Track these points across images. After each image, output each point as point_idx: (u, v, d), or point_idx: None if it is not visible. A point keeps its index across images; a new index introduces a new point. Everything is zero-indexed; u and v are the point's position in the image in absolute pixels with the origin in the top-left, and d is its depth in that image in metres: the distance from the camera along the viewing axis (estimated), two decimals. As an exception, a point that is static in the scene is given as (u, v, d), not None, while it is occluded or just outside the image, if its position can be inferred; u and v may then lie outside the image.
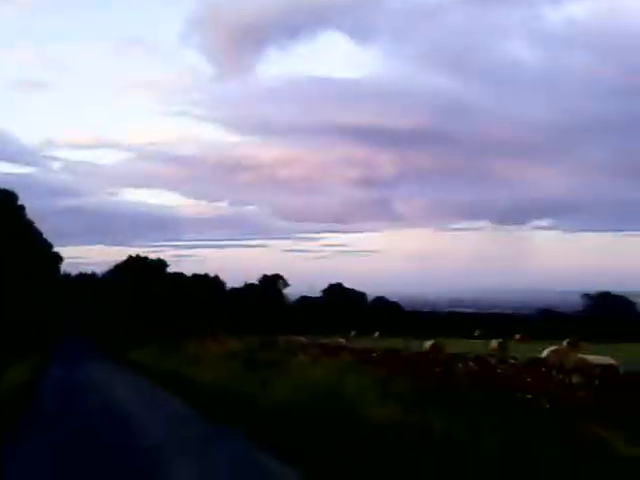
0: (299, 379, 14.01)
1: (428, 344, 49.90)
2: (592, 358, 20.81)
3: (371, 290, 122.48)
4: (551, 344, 46.45)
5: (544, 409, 8.66)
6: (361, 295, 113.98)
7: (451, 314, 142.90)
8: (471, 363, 11.97)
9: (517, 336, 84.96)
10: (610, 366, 9.36)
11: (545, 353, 33.77)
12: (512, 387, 9.35)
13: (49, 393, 19.12)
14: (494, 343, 61.04)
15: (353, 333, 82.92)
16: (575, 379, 9.81)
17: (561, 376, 9.97)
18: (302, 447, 8.59)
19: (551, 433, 7.53)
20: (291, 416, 10.57)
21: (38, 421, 12.67)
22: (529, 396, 8.99)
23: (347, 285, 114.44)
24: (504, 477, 6.55)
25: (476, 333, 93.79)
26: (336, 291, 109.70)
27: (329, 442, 8.58)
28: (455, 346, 46.38)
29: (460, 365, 12.08)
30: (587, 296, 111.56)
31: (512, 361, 11.29)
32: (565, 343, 61.91)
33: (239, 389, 14.94)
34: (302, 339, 25.92)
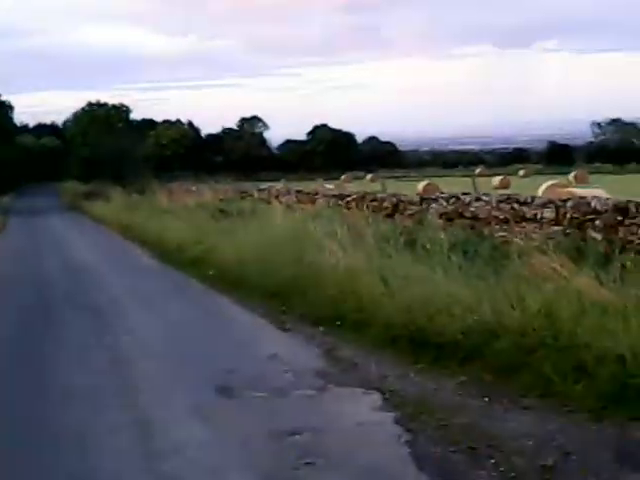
0: (262, 230, 14.27)
1: (421, 185, 50.35)
2: (582, 192, 20.91)
3: (361, 130, 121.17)
4: (560, 178, 47.07)
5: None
6: (350, 136, 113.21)
7: (452, 152, 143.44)
8: (444, 203, 12.09)
9: (521, 172, 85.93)
10: (595, 199, 9.31)
11: (542, 189, 34.05)
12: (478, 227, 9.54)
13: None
14: (496, 180, 61.71)
15: (343, 176, 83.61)
16: (547, 214, 9.87)
17: (535, 212, 10.03)
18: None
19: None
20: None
21: None
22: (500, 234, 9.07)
23: (334, 125, 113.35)
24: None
25: (477, 171, 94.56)
26: (323, 132, 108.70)
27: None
28: (452, 186, 46.65)
29: (434, 206, 12.25)
30: (597, 125, 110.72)
31: (485, 199, 11.34)
32: (571, 177, 62.70)
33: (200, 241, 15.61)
34: (278, 186, 25.85)
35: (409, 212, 13.35)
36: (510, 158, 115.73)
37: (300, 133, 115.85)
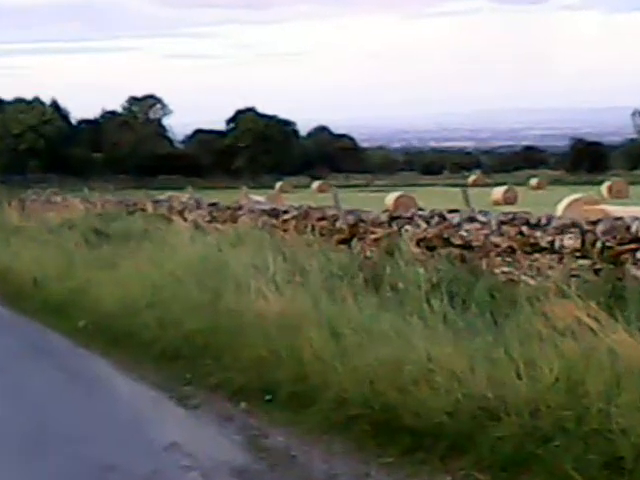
0: (159, 261, 14.27)
1: (391, 198, 50.84)
2: (618, 210, 21.30)
3: (305, 118, 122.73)
4: (588, 191, 47.90)
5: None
6: (289, 126, 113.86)
7: (435, 151, 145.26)
8: (423, 224, 12.23)
9: (533, 181, 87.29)
10: (638, 221, 9.54)
11: (562, 206, 34.69)
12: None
13: None
14: (497, 192, 62.63)
15: (279, 184, 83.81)
16: (569, 241, 10.06)
17: (552, 238, 10.22)
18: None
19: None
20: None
21: None
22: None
23: (265, 110, 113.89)
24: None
25: (471, 179, 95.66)
26: (248, 120, 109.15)
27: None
28: (435, 199, 47.04)
29: (409, 228, 12.38)
30: (638, 114, 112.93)
31: (482, 219, 11.54)
32: (604, 189, 63.85)
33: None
34: (184, 197, 25.75)
35: (373, 237, 13.35)
36: (517, 161, 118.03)
37: (216, 121, 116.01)
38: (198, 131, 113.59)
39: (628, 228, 9.70)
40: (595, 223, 10.19)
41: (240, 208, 19.02)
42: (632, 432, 6.12)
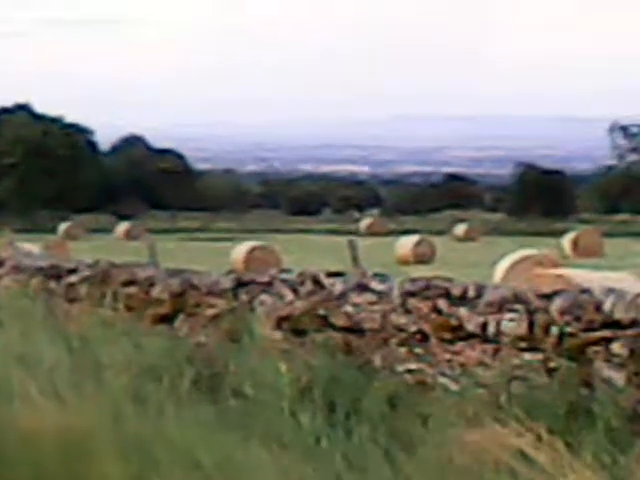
0: None
1: (240, 252, 50.89)
2: (586, 276, 21.73)
3: (107, 122, 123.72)
4: (542, 245, 48.75)
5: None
6: (82, 134, 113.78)
7: (313, 179, 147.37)
8: (287, 293, 12.30)
9: (460, 228, 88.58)
10: (614, 293, 9.65)
11: (502, 267, 35.31)
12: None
13: None
14: (404, 245, 63.40)
15: (64, 226, 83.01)
16: (506, 325, 10.13)
17: (483, 319, 10.30)
18: None
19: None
20: None
21: None
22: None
23: (42, 110, 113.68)
24: None
25: (365, 222, 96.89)
26: (18, 125, 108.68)
27: None
28: (308, 253, 47.48)
29: (265, 299, 12.45)
30: (622, 130, 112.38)
31: (375, 286, 11.64)
32: (566, 242, 65.40)
33: None
34: None
35: (210, 313, 13.39)
36: (435, 196, 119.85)
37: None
38: None
39: (598, 306, 9.76)
40: (550, 297, 10.24)
41: (1, 264, 18.84)
42: None
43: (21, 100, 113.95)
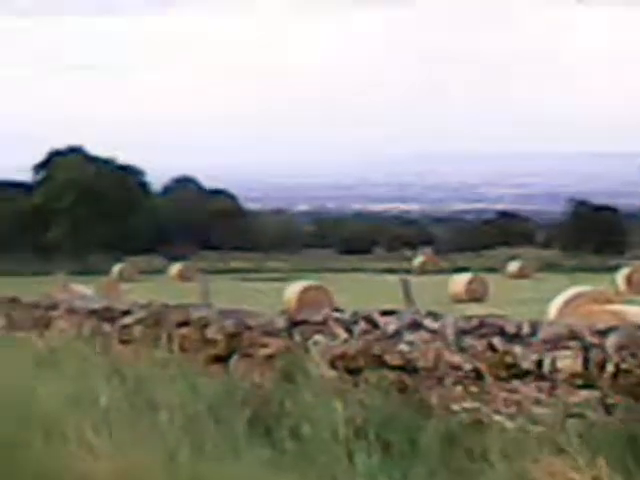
0: None
1: (294, 291, 50.81)
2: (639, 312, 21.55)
3: (159, 164, 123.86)
4: (596, 282, 48.21)
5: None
6: (136, 176, 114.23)
7: (363, 218, 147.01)
8: (343, 334, 12.24)
9: (513, 265, 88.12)
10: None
11: (556, 304, 35.04)
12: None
13: None
14: (457, 283, 62.80)
15: (117, 268, 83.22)
16: (564, 362, 10.06)
17: (539, 357, 10.23)
18: None
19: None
20: None
21: None
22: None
23: (96, 152, 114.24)
24: None
25: (417, 260, 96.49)
26: (70, 166, 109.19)
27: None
28: (361, 292, 47.21)
29: (319, 339, 12.39)
30: None
31: (432, 325, 11.57)
32: (620, 278, 64.98)
33: None
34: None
35: (264, 353, 13.39)
36: (488, 234, 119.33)
37: (20, 166, 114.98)
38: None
39: (659, 342, 9.71)
40: (605, 333, 10.18)
41: (54, 307, 18.87)
42: None
43: (74, 142, 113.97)
